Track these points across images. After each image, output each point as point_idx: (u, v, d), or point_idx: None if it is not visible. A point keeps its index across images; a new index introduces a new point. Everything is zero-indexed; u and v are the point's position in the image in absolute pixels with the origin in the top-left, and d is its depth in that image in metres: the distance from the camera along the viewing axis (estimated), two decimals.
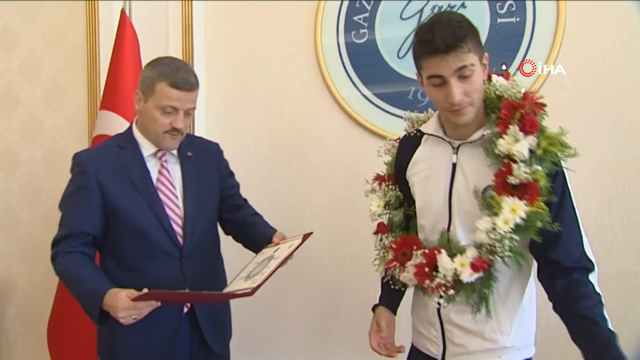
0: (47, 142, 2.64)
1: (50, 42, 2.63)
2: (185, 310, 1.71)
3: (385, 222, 1.57)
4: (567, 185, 1.35)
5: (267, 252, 1.76)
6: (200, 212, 1.74)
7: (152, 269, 1.66)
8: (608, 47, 1.97)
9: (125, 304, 1.45)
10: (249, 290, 1.49)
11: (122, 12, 2.31)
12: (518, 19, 2.05)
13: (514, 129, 1.29)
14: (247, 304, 2.26)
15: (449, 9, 2.13)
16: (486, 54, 1.34)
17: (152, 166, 1.71)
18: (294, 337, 2.36)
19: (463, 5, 2.11)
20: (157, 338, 1.67)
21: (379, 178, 1.60)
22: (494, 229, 1.28)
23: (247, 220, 1.87)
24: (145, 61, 2.29)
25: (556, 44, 1.99)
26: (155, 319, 1.55)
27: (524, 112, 1.30)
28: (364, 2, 2.24)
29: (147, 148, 1.71)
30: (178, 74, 1.63)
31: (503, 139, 1.30)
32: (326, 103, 2.30)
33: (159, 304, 1.49)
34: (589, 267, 1.33)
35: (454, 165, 1.40)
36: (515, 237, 1.27)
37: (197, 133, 2.31)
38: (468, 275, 1.30)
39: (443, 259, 1.34)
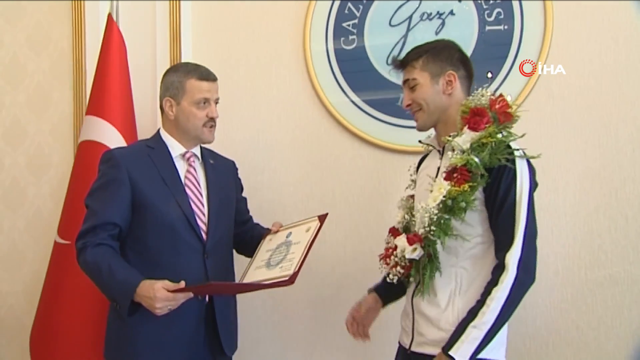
0: (30, 147, 2.60)
1: (34, 46, 2.59)
2: (205, 305, 1.75)
3: (401, 229, 1.74)
4: (515, 185, 1.45)
5: (275, 238, 1.84)
6: (222, 212, 1.83)
7: (175, 263, 1.70)
8: (594, 56, 1.98)
9: (163, 295, 1.51)
10: (287, 279, 1.58)
11: (109, 16, 2.28)
12: (506, 27, 2.06)
13: (465, 128, 1.50)
14: None
15: (437, 16, 2.14)
16: (450, 72, 1.58)
17: (180, 166, 1.81)
18: (283, 346, 2.33)
19: (452, 13, 2.12)
20: (174, 340, 1.70)
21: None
22: (427, 205, 1.49)
23: (250, 227, 2.00)
24: (132, 66, 2.31)
25: (544, 52, 2.01)
26: (173, 321, 1.62)
27: (476, 117, 1.49)
28: (353, 9, 2.25)
29: (175, 149, 1.82)
30: (200, 68, 1.82)
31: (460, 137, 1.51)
32: (315, 109, 2.29)
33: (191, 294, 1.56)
34: (498, 274, 1.41)
35: (439, 168, 1.59)
36: (445, 215, 1.45)
37: None
38: (409, 251, 1.50)
39: (400, 239, 1.57)
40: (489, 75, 2.07)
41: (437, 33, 2.13)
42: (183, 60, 2.38)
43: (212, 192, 1.82)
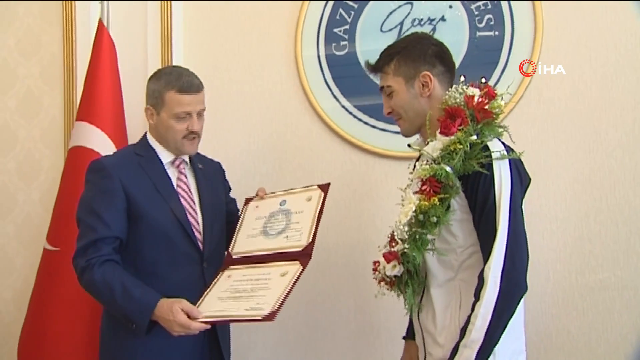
0: (20, 153, 2.57)
1: (25, 51, 2.57)
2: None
3: None
4: (494, 191, 1.33)
5: (264, 205, 1.77)
6: (215, 219, 1.79)
7: (173, 274, 1.66)
8: (584, 62, 2.00)
9: (181, 321, 1.47)
10: (300, 250, 1.55)
11: (100, 22, 2.27)
12: (497, 33, 2.07)
13: (437, 133, 1.40)
14: None
15: (428, 22, 2.14)
16: (424, 72, 1.48)
17: (171, 173, 1.76)
18: (275, 352, 2.32)
19: (443, 19, 2.13)
20: (175, 354, 1.65)
21: None
22: (399, 222, 1.40)
23: None
24: (123, 71, 2.30)
25: (534, 57, 2.01)
26: (173, 337, 1.54)
27: (448, 120, 1.40)
28: (345, 15, 2.25)
29: (165, 156, 1.75)
30: (182, 79, 1.69)
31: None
32: (306, 114, 2.29)
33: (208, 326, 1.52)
34: (478, 288, 1.32)
35: None
36: (420, 230, 1.36)
37: None
38: (389, 269, 1.42)
39: (381, 254, 1.48)
40: (483, 80, 2.07)
41: None
42: (174, 63, 2.36)
43: (204, 199, 1.78)
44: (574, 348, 1.96)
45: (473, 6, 2.10)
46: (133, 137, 2.29)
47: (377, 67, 1.55)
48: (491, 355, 1.32)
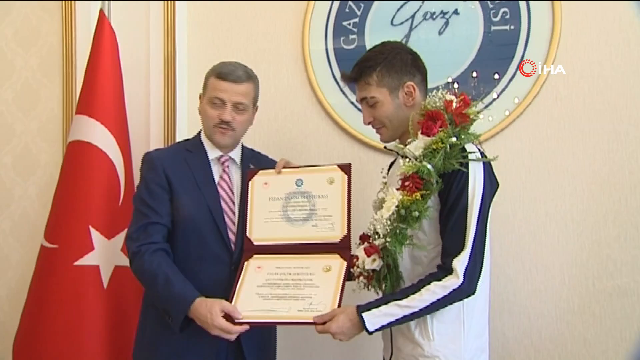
0: (17, 147, 2.53)
1: (22, 42, 2.53)
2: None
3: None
4: (467, 190, 1.41)
5: (275, 182, 1.68)
6: None
7: (202, 272, 1.66)
8: (604, 59, 1.93)
9: (220, 324, 1.47)
10: (337, 241, 1.55)
11: (101, 12, 2.22)
12: (512, 27, 2.00)
13: (419, 134, 1.47)
14: None
15: (441, 15, 2.08)
16: (408, 83, 1.54)
17: (215, 170, 1.77)
18: (280, 352, 2.27)
19: (456, 12, 2.06)
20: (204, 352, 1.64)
21: None
22: (381, 216, 1.46)
23: None
24: (124, 63, 2.24)
25: (551, 53, 1.95)
26: (198, 335, 1.55)
27: (429, 121, 1.46)
28: (354, 7, 2.19)
29: (212, 152, 1.78)
30: (225, 67, 1.74)
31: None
32: (313, 110, 2.24)
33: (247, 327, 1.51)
34: (444, 274, 1.38)
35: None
36: (401, 225, 1.42)
37: (180, 139, 2.23)
38: (369, 262, 1.46)
39: (360, 249, 1.51)
40: (496, 76, 2.01)
41: (440, 33, 2.08)
42: (178, 60, 2.34)
43: (244, 199, 1.73)
44: (590, 356, 1.90)
45: None
46: (135, 131, 2.26)
47: (358, 77, 1.58)
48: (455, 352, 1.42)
